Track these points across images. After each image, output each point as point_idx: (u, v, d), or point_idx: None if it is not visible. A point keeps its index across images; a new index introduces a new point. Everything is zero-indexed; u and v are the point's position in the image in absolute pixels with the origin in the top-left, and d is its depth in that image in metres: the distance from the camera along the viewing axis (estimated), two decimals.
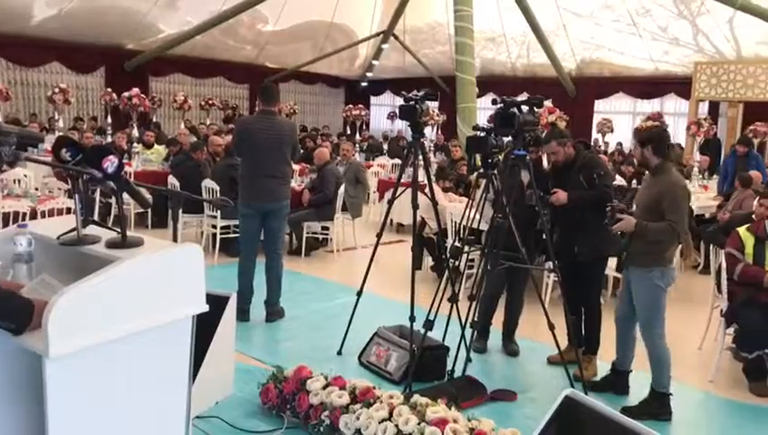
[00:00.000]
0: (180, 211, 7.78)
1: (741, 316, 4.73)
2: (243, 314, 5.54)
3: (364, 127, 17.18)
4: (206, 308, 2.37)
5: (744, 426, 4.28)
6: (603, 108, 18.04)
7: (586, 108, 17.88)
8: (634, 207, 4.45)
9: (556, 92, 17.78)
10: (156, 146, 11.16)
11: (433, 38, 18.35)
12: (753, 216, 5.58)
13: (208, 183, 7.71)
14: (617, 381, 4.49)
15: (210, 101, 16.70)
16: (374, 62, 20.46)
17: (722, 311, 4.98)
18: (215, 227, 7.72)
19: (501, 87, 15.69)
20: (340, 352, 5.00)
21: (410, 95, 4.53)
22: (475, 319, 4.13)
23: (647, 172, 4.34)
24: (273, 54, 19.06)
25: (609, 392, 4.46)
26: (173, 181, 8.07)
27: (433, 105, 19.80)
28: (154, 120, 15.74)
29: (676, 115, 16.50)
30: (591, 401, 2.65)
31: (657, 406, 4.20)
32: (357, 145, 14.35)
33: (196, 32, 15.39)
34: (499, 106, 4.02)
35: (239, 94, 19.87)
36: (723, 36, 14.65)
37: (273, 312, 5.68)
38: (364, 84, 21.72)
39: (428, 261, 7.52)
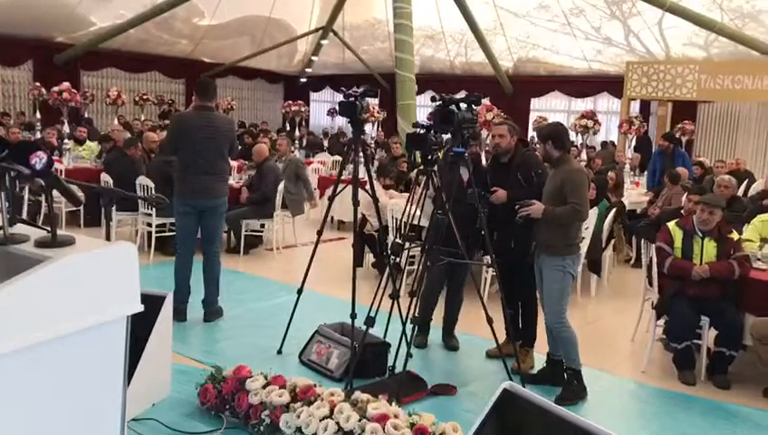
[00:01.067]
0: (114, 209, 7.58)
1: (670, 308, 4.90)
2: (180, 314, 5.43)
3: (304, 123, 17.07)
4: (140, 308, 2.30)
5: (673, 414, 4.43)
6: (539, 106, 18.41)
7: (523, 106, 18.21)
8: None
9: (494, 90, 18.05)
10: (88, 142, 10.83)
11: (372, 35, 18.37)
12: (682, 211, 5.80)
13: (143, 180, 7.52)
14: (553, 372, 4.60)
15: (145, 97, 16.30)
16: (313, 58, 20.35)
17: (653, 303, 5.15)
18: (150, 225, 7.54)
19: (440, 84, 15.81)
20: (280, 352, 4.95)
21: (350, 92, 4.52)
22: (416, 315, 4.15)
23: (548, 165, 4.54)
24: (210, 49, 18.74)
25: (547, 384, 4.56)
26: (106, 179, 7.85)
27: (373, 102, 19.86)
28: (86, 115, 15.26)
29: (609, 113, 16.97)
30: (529, 393, 2.70)
31: (578, 384, 4.41)
32: (296, 142, 14.26)
33: (130, 25, 14.99)
34: (438, 103, 4.05)
35: (175, 89, 19.46)
36: (653, 37, 15.14)
37: (212, 311, 5.58)
38: (303, 80, 21.57)
39: (370, 258, 7.52)
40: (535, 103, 18.48)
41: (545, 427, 2.61)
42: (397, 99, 10.57)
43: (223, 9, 16.35)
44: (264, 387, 3.53)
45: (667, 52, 15.32)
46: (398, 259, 6.31)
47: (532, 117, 16.95)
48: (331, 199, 4.89)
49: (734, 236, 5.02)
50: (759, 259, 5.26)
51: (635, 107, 15.67)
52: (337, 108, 5.05)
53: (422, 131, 4.34)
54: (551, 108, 18.32)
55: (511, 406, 2.69)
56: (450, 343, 5.34)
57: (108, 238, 3.51)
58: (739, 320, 4.83)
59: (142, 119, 14.78)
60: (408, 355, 4.88)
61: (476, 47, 16.62)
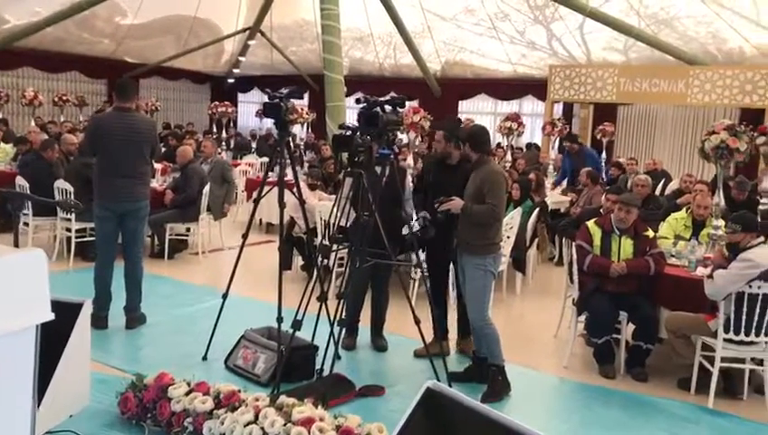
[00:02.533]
0: (30, 214, 7.28)
1: (590, 304, 5.05)
2: (100, 321, 5.27)
3: (232, 125, 16.82)
4: (51, 316, 2.21)
5: (593, 407, 4.57)
6: (467, 108, 18.67)
7: (450, 108, 18.41)
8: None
9: (422, 93, 18.24)
10: (2, 144, 10.37)
11: (301, 36, 18.26)
12: (602, 210, 5.99)
13: (61, 184, 7.25)
14: (479, 370, 4.68)
15: (64, 97, 15.71)
16: (241, 59, 20.07)
17: (573, 300, 5.29)
18: (69, 230, 7.28)
19: (369, 86, 15.84)
20: (205, 358, 4.86)
21: (275, 93, 4.48)
22: (343, 317, 4.14)
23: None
24: (133, 49, 18.23)
25: (474, 381, 4.64)
26: (22, 183, 7.51)
27: (303, 103, 19.75)
28: (0, 116, 14.59)
29: (533, 116, 17.36)
30: (453, 391, 2.72)
31: (502, 380, 4.51)
32: (223, 143, 14.04)
33: (47, 23, 14.41)
34: (362, 106, 4.05)
35: (96, 90, 18.83)
36: (574, 41, 15.59)
37: (134, 318, 5.43)
38: (231, 81, 21.25)
39: (299, 261, 7.47)
40: (463, 105, 18.75)
41: (468, 425, 2.64)
42: (325, 100, 10.53)
43: (146, 8, 15.92)
44: (186, 394, 3.45)
45: (589, 56, 15.80)
46: (326, 261, 6.30)
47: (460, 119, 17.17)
48: (255, 202, 4.83)
49: (650, 233, 5.22)
50: (673, 256, 5.48)
51: (558, 109, 16.08)
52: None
53: (348, 133, 4.34)
54: (478, 110, 18.62)
55: (434, 405, 2.71)
56: (378, 343, 5.35)
57: (16, 245, 3.36)
58: (655, 314, 5.03)
59: (62, 120, 14.24)
60: (336, 357, 4.90)
61: (405, 50, 16.72)
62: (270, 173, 5.20)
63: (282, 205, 4.46)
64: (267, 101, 4.46)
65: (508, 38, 16.18)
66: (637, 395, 4.74)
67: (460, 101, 18.69)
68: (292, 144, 11.35)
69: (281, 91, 4.48)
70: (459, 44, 17.02)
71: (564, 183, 10.34)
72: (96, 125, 5.44)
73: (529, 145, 16.35)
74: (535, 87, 16.32)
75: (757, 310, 4.34)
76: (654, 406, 4.58)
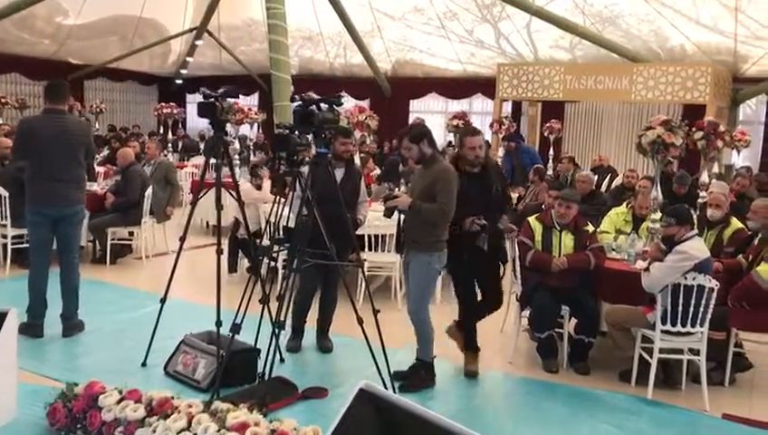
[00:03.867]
0: None
1: (533, 300, 5.09)
2: (36, 330, 5.12)
3: (180, 126, 16.54)
4: None
5: (537, 402, 4.61)
6: (418, 107, 18.71)
7: (402, 107, 18.46)
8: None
9: (374, 92, 18.23)
10: None
11: (250, 35, 18.04)
12: (543, 205, 6.05)
13: None
14: (423, 367, 4.68)
15: (3, 100, 15.22)
16: (188, 59, 19.74)
17: (517, 295, 5.32)
18: (5, 236, 7.04)
19: (320, 86, 15.74)
20: (144, 364, 4.75)
21: (210, 92, 4.39)
22: (282, 318, 4.07)
23: (419, 165, 4.56)
24: (76, 50, 17.77)
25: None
26: None
27: (253, 103, 19.53)
28: None
29: (483, 114, 17.48)
30: (385, 391, 2.68)
31: (425, 373, 4.58)
32: (170, 145, 13.79)
33: None
34: (298, 104, 4.00)
35: (38, 92, 18.22)
36: (522, 40, 15.73)
37: (71, 326, 5.26)
38: (179, 82, 20.89)
39: (245, 263, 7.36)
40: (414, 105, 18.77)
41: (401, 425, 2.62)
42: (273, 100, 10.41)
43: (89, 8, 15.52)
44: (118, 402, 3.35)
45: (536, 54, 15.97)
46: (273, 263, 6.22)
47: (412, 118, 17.17)
48: (192, 204, 4.73)
49: (590, 228, 5.28)
50: (614, 250, 5.56)
51: (507, 107, 16.22)
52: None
53: (286, 132, 4.28)
54: (429, 109, 18.66)
55: (367, 406, 2.68)
56: (324, 345, 5.31)
57: None
58: (596, 308, 5.09)
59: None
60: (280, 360, 4.86)
61: (355, 49, 16.67)
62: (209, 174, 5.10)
63: (219, 207, 4.37)
64: (201, 100, 4.36)
65: (457, 37, 16.25)
66: (579, 388, 4.79)
67: (411, 101, 18.71)
68: (239, 144, 11.23)
69: (216, 90, 4.40)
70: (409, 44, 17.04)
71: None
72: (24, 128, 5.25)
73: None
74: (484, 85, 16.42)
75: (692, 301, 4.43)
76: (596, 399, 4.64)
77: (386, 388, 4.24)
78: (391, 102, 18.21)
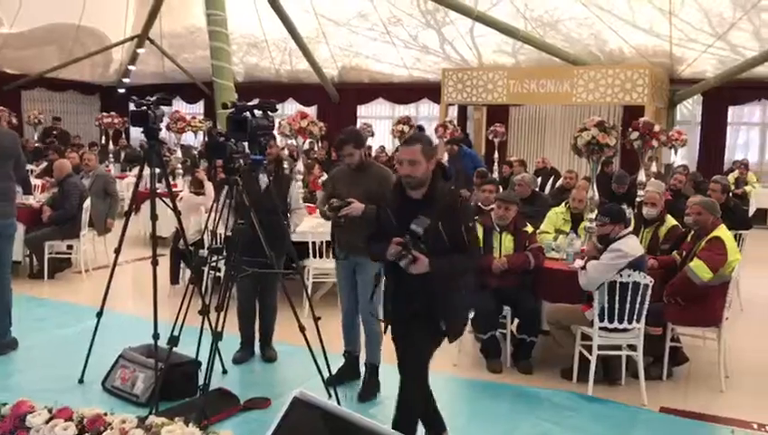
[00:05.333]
0: None
1: (475, 301, 5.12)
2: None
3: (123, 136, 16.20)
4: None
5: (481, 402, 4.65)
6: (365, 113, 18.74)
7: (349, 113, 18.45)
8: None
9: (321, 98, 18.20)
10: None
11: (193, 42, 17.80)
12: (480, 204, 6.13)
13: None
14: (352, 368, 4.75)
15: None
16: (130, 68, 19.39)
17: None
18: None
19: (266, 92, 15.60)
20: (81, 381, 4.63)
21: (141, 100, 4.31)
22: (219, 329, 4.01)
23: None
24: (12, 59, 17.27)
25: (347, 380, 4.68)
26: None
27: (198, 111, 19.28)
28: None
29: (430, 119, 17.59)
30: (319, 399, 2.67)
31: (375, 378, 4.59)
32: (111, 155, 13.50)
33: None
34: (231, 111, 3.95)
35: None
36: (465, 45, 15.92)
37: (3, 344, 5.10)
38: (122, 91, 20.48)
39: (189, 273, 7.23)
40: (362, 110, 18.80)
41: (335, 432, 2.60)
42: (216, 107, 10.30)
43: (24, 16, 15.13)
44: (47, 422, 3.23)
45: (480, 59, 16.17)
46: (215, 273, 6.13)
47: (359, 124, 17.19)
48: (127, 215, 4.63)
49: (529, 229, 5.36)
50: (553, 249, 5.65)
51: (453, 112, 16.37)
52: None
53: (222, 139, 4.22)
54: (376, 114, 18.70)
55: (301, 414, 2.66)
56: (267, 354, 5.26)
57: None
58: (537, 307, 5.17)
59: None
60: (222, 372, 4.80)
61: (301, 55, 16.63)
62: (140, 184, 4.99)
63: (154, 217, 4.29)
64: (133, 108, 4.28)
65: (402, 42, 16.35)
66: (523, 387, 4.84)
67: (358, 106, 18.73)
68: (182, 153, 11.05)
69: (148, 98, 4.32)
70: (355, 49, 17.07)
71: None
72: None
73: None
74: (430, 90, 16.54)
75: (628, 298, 4.52)
76: (539, 397, 4.69)
77: (329, 395, 4.23)
78: (339, 108, 18.20)
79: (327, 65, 17.55)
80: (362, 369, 4.72)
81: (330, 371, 4.33)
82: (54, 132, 15.94)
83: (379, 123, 17.18)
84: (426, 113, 18.20)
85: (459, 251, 3.29)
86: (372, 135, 15.12)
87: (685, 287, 4.84)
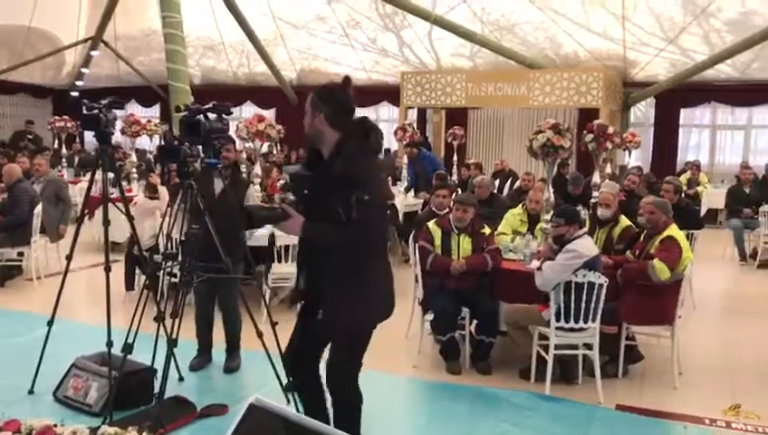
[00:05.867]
0: None
1: (434, 303, 5.15)
2: None
3: (76, 140, 15.87)
4: None
5: (440, 404, 4.65)
6: (358, 118, 18.66)
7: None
8: None
9: (279, 101, 18.07)
10: None
11: (148, 45, 17.52)
12: (434, 208, 6.17)
13: None
14: None
15: None
16: (84, 71, 18.98)
17: (419, 299, 5.37)
18: None
19: (224, 96, 15.44)
20: (32, 391, 4.50)
21: (93, 104, 4.22)
22: (174, 336, 3.94)
23: None
24: None
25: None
26: None
27: (154, 114, 18.97)
28: None
29: (390, 121, 17.63)
30: (276, 406, 2.64)
31: None
32: (64, 160, 13.21)
33: None
34: (184, 114, 3.89)
35: None
36: (424, 48, 16.00)
37: None
38: (75, 94, 20.04)
39: (143, 279, 7.11)
40: None
41: None
42: (171, 111, 10.16)
43: None
44: None
45: (438, 62, 16.26)
46: (171, 279, 6.03)
47: None
48: (79, 221, 4.53)
49: (487, 230, 5.40)
50: (511, 250, 5.70)
51: (413, 115, 16.43)
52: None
53: (176, 143, 4.16)
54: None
55: (257, 420, 2.62)
56: (229, 364, 5.16)
57: None
58: (495, 308, 5.20)
59: None
60: (179, 379, 4.72)
61: (258, 58, 16.50)
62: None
63: (106, 223, 4.20)
64: (85, 112, 4.19)
65: (361, 45, 16.35)
66: (482, 388, 4.87)
67: None
68: (136, 158, 10.86)
69: (100, 101, 4.23)
70: (313, 52, 17.00)
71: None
72: None
73: (387, 151, 16.62)
74: (390, 93, 16.57)
75: (584, 297, 4.58)
76: (497, 397, 4.72)
77: (287, 401, 4.19)
78: (298, 111, 18.01)
79: (285, 68, 17.45)
80: None
81: (288, 376, 4.28)
82: (29, 136, 15.54)
83: None
84: (385, 116, 18.24)
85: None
86: None
87: (640, 278, 4.93)
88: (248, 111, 17.65)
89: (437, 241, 5.27)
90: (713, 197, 12.71)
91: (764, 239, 9.32)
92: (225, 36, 16.78)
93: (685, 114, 15.62)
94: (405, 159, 11.08)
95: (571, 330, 4.68)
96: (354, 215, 2.89)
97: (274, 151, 15.69)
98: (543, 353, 4.79)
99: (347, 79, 3.08)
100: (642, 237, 5.30)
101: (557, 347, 4.71)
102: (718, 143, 15.69)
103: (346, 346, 3.23)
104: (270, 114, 18.07)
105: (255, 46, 15.76)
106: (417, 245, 5.36)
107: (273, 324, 4.24)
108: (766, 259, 9.41)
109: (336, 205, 2.92)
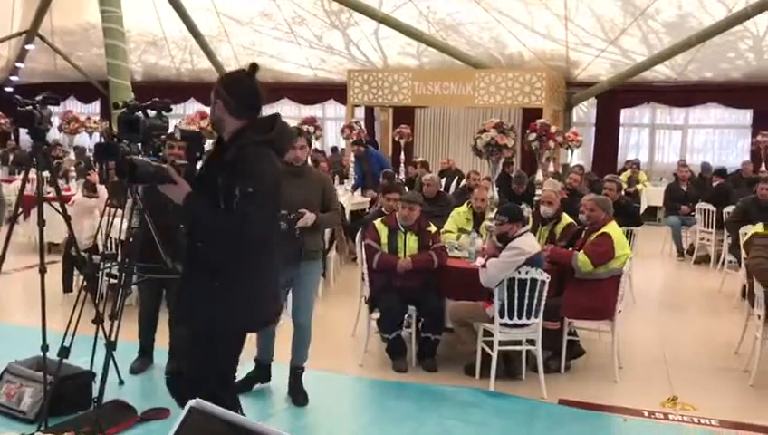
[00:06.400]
0: None
1: (380, 301, 5.15)
2: None
3: (11, 137, 15.33)
4: None
5: (385, 402, 4.65)
6: (270, 113, 18.46)
7: None
8: None
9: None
10: None
11: (88, 40, 17.04)
12: (383, 209, 6.16)
13: None
14: (259, 375, 4.64)
15: None
16: (19, 65, 18.36)
17: (365, 298, 5.36)
18: None
19: (166, 92, 15.12)
20: None
21: (26, 99, 4.06)
22: (113, 338, 3.84)
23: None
24: None
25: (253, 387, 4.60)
26: None
27: (94, 111, 18.48)
28: None
29: (337, 120, 17.59)
30: (219, 409, 2.58)
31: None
32: None
33: None
34: (122, 110, 3.78)
35: None
36: (371, 46, 16.00)
37: None
38: (9, 90, 19.35)
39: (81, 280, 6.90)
40: (266, 111, 18.43)
41: None
42: (111, 107, 9.88)
43: None
44: None
45: (385, 60, 16.30)
46: (110, 280, 5.87)
47: None
48: (12, 221, 4.35)
49: (432, 228, 5.42)
50: (456, 248, 5.74)
51: (360, 113, 16.42)
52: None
53: (114, 140, 4.03)
54: (281, 115, 18.42)
55: (198, 423, 2.57)
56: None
57: None
58: (440, 306, 5.22)
59: None
60: (119, 383, 4.60)
61: (202, 54, 16.23)
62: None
63: (41, 223, 4.05)
64: (18, 108, 4.02)
65: (307, 43, 16.26)
66: (427, 386, 4.89)
67: (263, 106, 18.43)
68: (75, 156, 10.56)
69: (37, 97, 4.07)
70: (258, 48, 16.81)
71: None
72: None
73: (334, 149, 16.57)
74: (337, 91, 16.53)
75: (527, 294, 4.64)
76: (443, 394, 4.75)
77: None
78: None
79: (230, 64, 17.18)
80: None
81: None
82: None
83: None
84: (332, 114, 18.19)
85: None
86: None
87: (564, 262, 5.12)
88: (192, 107, 17.34)
89: (384, 239, 5.27)
90: (652, 194, 13.08)
91: (701, 236, 9.62)
92: (167, 32, 16.45)
93: (625, 114, 16.02)
94: (352, 158, 11.05)
95: (515, 326, 4.74)
96: (235, 205, 2.70)
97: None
98: (488, 350, 4.84)
99: (253, 66, 2.90)
100: (583, 234, 5.40)
101: (501, 343, 4.76)
102: (657, 142, 16.16)
103: (202, 348, 2.90)
104: (207, 111, 17.81)
105: (199, 42, 15.51)
106: (363, 243, 5.34)
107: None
108: (702, 255, 9.72)
109: (218, 191, 2.74)
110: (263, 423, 2.50)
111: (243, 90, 2.91)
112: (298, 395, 4.47)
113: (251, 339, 4.64)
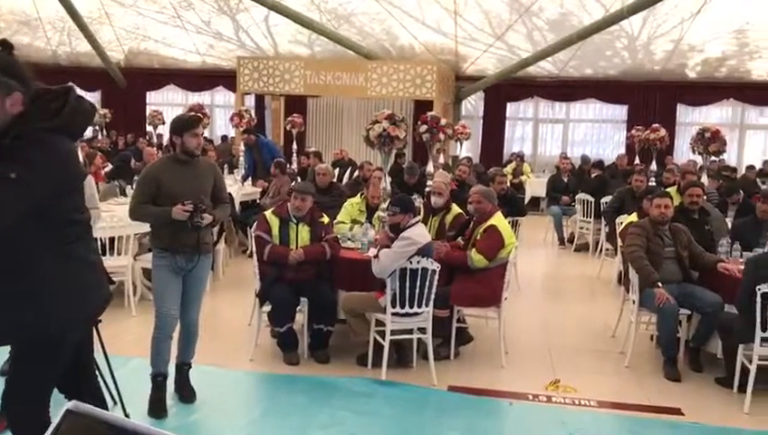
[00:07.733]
0: None
1: (271, 294, 5.06)
2: None
3: None
4: None
5: (276, 396, 4.60)
6: (156, 100, 17.81)
7: (138, 100, 17.49)
8: None
9: (106, 83, 17.02)
10: None
11: None
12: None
13: None
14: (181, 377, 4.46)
15: None
16: None
17: (256, 291, 5.26)
18: None
19: (42, 77, 14.08)
20: None
21: None
22: None
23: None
24: None
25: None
26: None
27: None
28: None
29: (226, 107, 17.15)
30: (96, 410, 2.44)
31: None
32: None
33: None
34: None
35: None
36: (261, 33, 15.70)
37: None
38: None
39: None
40: (152, 97, 17.84)
41: None
42: None
43: None
44: None
45: (276, 48, 16.04)
46: None
47: (149, 111, 16.27)
48: None
49: (325, 219, 5.39)
50: (349, 239, 5.74)
51: (251, 101, 16.10)
52: None
53: None
54: (168, 101, 17.83)
55: (76, 426, 2.43)
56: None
57: None
58: (333, 297, 5.20)
59: None
60: None
61: (81, 36, 15.37)
62: None
63: None
64: None
65: (194, 28, 15.74)
66: (320, 378, 4.86)
67: (148, 93, 17.78)
68: None
69: None
70: (142, 33, 16.13)
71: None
72: None
73: (224, 137, 16.17)
74: (226, 78, 16.12)
75: (418, 283, 4.71)
76: (335, 386, 4.74)
77: (114, 402, 3.93)
78: (127, 94, 17.15)
79: (112, 48, 16.44)
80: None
81: (113, 376, 4.03)
82: None
83: (171, 111, 16.27)
84: (221, 102, 17.74)
85: None
86: (163, 123, 14.39)
87: (462, 265, 5.22)
88: None
89: (275, 230, 5.18)
90: (535, 185, 13.60)
91: (580, 225, 10.10)
92: (41, 11, 15.44)
93: (510, 108, 16.57)
94: (242, 147, 10.82)
95: (407, 315, 4.80)
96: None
97: (99, 137, 14.76)
98: (380, 339, 4.87)
99: (4, 42, 2.43)
100: (471, 224, 5.53)
101: (393, 332, 4.81)
102: (540, 135, 16.82)
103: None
104: (95, 97, 16.97)
105: (77, 23, 14.66)
106: (254, 235, 5.24)
107: (96, 323, 3.95)
108: (582, 243, 10.22)
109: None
110: (145, 424, 2.41)
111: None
112: (185, 391, 4.34)
113: None
